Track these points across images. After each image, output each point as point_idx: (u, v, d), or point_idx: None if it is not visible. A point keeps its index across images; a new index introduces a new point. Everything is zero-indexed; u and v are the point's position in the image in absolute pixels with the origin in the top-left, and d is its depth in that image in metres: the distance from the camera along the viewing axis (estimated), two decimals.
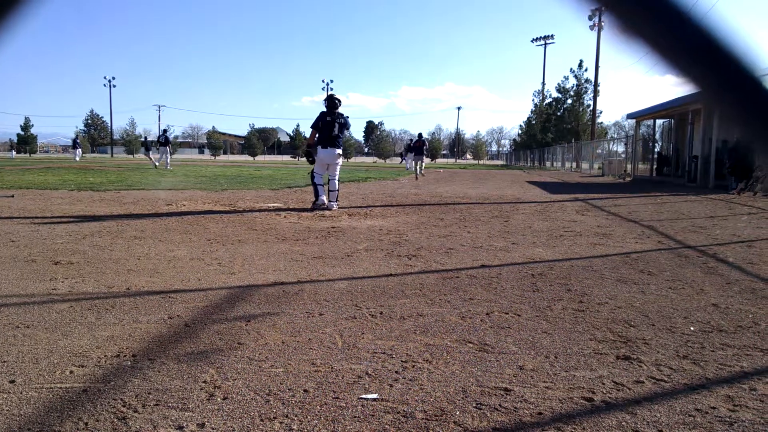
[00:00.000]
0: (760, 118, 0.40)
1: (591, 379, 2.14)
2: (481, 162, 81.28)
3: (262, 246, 5.07)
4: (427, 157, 26.42)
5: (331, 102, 8.52)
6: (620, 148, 28.05)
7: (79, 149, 38.56)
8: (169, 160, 24.33)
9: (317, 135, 8.48)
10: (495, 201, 10.68)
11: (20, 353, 2.33)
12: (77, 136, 44.07)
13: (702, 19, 0.39)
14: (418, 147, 23.02)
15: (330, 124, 8.37)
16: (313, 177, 8.54)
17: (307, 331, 2.69)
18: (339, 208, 8.56)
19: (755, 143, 0.41)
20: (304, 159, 9.00)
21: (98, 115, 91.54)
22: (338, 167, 8.57)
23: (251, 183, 14.82)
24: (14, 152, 52.98)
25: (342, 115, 8.54)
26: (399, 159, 50.57)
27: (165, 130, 26.75)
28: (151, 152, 26.98)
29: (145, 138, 39.65)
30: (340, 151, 8.52)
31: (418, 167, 22.18)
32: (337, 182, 8.54)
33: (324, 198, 8.45)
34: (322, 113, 8.47)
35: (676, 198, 11.93)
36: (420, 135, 23.91)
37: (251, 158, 68.61)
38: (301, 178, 15.58)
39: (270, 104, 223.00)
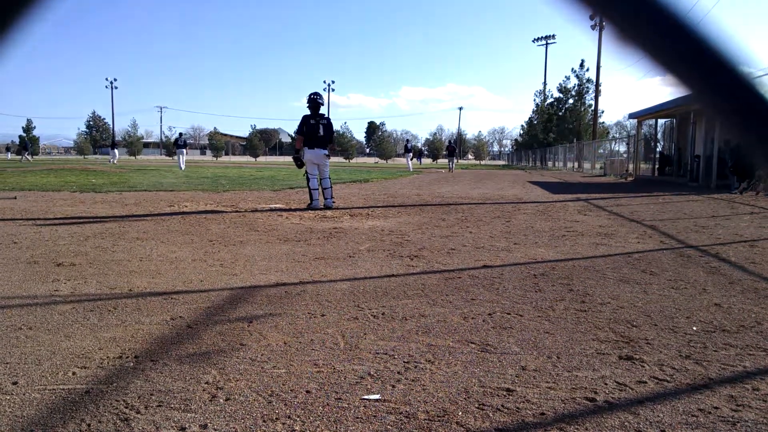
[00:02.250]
0: (753, 121, 0.40)
1: (593, 380, 2.14)
2: (482, 162, 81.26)
3: (264, 247, 5.08)
4: (457, 158, 39.04)
5: (314, 104, 8.73)
6: (622, 148, 27.99)
7: (116, 151, 36.23)
8: (182, 162, 25.61)
9: (303, 138, 8.74)
10: (497, 201, 10.68)
11: (23, 355, 2.33)
12: (114, 140, 39.96)
13: (696, 25, 0.39)
14: (451, 150, 32.53)
15: (314, 126, 8.65)
16: (308, 180, 8.76)
17: (309, 331, 2.69)
18: (336, 206, 8.75)
19: (749, 146, 0.41)
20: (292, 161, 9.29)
21: (100, 117, 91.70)
22: (327, 167, 8.90)
23: (253, 184, 14.84)
24: (9, 154, 52.03)
25: (324, 116, 8.85)
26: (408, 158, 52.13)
27: (181, 134, 28.53)
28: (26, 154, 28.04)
29: (23, 138, 39.82)
30: (326, 151, 8.80)
31: (452, 164, 31.76)
32: (328, 180, 8.87)
33: (319, 201, 8.68)
34: (305, 117, 8.72)
35: (678, 198, 11.91)
36: (450, 141, 37.31)
37: (253, 159, 68.70)
38: (303, 179, 15.60)
39: (271, 105, 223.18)
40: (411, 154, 33.80)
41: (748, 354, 2.43)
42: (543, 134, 53.25)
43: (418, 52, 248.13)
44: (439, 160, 47.24)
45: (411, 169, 30.93)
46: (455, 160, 33.18)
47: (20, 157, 37.27)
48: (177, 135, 28.11)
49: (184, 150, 25.80)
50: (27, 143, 39.42)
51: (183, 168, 24.79)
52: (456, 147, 35.02)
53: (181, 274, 3.90)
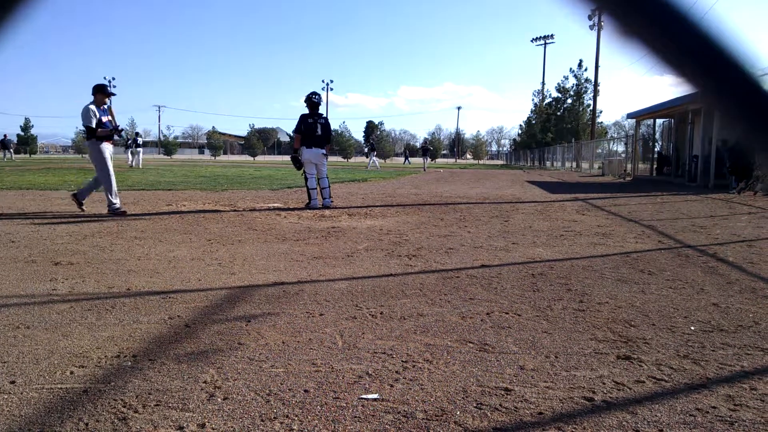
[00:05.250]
0: (757, 117, 0.40)
1: (591, 379, 2.14)
2: (481, 162, 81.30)
3: (263, 246, 5.07)
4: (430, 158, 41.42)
5: (312, 103, 8.72)
6: (620, 148, 28.03)
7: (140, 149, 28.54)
8: (140, 161, 27.63)
9: (301, 137, 8.72)
10: (495, 201, 10.69)
11: (21, 354, 2.33)
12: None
13: (700, 21, 0.39)
14: (425, 149, 35.39)
15: (313, 125, 8.63)
16: (306, 179, 8.74)
17: (308, 331, 2.69)
18: (334, 206, 8.77)
19: (754, 143, 0.41)
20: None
21: None
22: (325, 167, 8.90)
23: (251, 183, 14.83)
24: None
25: (322, 115, 8.83)
26: (403, 159, 53.78)
27: (137, 134, 30.93)
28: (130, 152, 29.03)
29: (4, 135, 39.26)
30: (324, 151, 8.80)
31: (426, 164, 34.34)
32: (326, 179, 8.87)
33: (317, 201, 8.68)
34: (303, 116, 8.68)
35: (676, 197, 11.93)
36: (425, 140, 45.29)
37: (251, 158, 68.63)
38: (301, 178, 15.59)
39: (270, 104, 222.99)
40: (375, 153, 34.86)
41: (746, 354, 2.44)
42: (541, 134, 53.27)
43: (416, 52, 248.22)
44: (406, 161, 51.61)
45: (379, 169, 32.38)
46: (428, 159, 35.92)
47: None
48: (134, 135, 30.21)
49: (141, 149, 27.88)
50: (7, 142, 38.87)
51: (141, 166, 26.82)
52: (430, 147, 39.01)
53: (179, 274, 3.90)
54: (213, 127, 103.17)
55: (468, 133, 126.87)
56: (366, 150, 44.03)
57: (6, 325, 2.71)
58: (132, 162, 27.18)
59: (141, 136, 30.73)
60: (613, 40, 0.40)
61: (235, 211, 7.98)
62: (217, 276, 3.84)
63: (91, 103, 7.29)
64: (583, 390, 2.04)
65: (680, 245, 5.47)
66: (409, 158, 54.59)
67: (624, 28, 0.39)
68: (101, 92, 7.43)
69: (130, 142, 28.81)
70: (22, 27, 0.40)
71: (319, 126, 8.64)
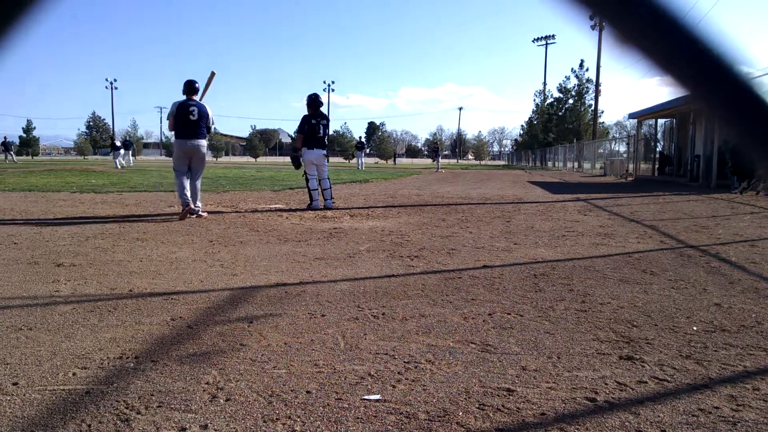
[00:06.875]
0: (751, 121, 0.40)
1: (594, 380, 2.14)
2: (482, 162, 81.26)
3: (264, 247, 5.08)
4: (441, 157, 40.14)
5: (316, 103, 8.75)
6: (622, 148, 27.98)
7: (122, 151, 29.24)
8: (129, 161, 29.23)
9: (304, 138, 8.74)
10: (497, 201, 10.68)
11: (23, 355, 2.33)
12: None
13: (695, 26, 0.39)
14: (435, 149, 37.99)
15: (315, 126, 8.67)
16: (307, 180, 8.75)
17: (310, 332, 2.69)
18: (336, 207, 8.80)
19: (747, 145, 0.41)
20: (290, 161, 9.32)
21: (100, 117, 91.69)
22: (326, 168, 8.95)
23: (253, 184, 14.84)
24: None
25: (324, 116, 8.87)
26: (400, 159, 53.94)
27: (127, 137, 31.86)
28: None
29: (5, 138, 39.73)
30: (325, 152, 8.87)
31: (438, 164, 35.59)
32: (328, 180, 8.90)
33: (319, 202, 8.70)
34: (306, 117, 8.71)
35: (678, 198, 11.91)
36: (435, 142, 47.11)
37: (253, 159, 68.71)
38: (302, 179, 15.57)
39: (271, 105, 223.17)
40: (363, 153, 34.78)
41: (749, 354, 2.43)
42: (543, 134, 53.25)
43: (418, 53, 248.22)
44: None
45: (363, 169, 32.21)
46: (440, 159, 36.76)
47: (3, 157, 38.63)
48: (126, 138, 31.71)
49: (129, 150, 29.12)
50: (8, 144, 39.49)
51: (131, 164, 28.43)
52: (438, 147, 41.07)
53: (182, 275, 3.90)
54: (215, 128, 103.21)
55: (469, 133, 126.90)
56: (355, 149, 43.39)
57: (9, 326, 2.72)
58: (117, 163, 27.91)
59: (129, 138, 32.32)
60: (611, 44, 0.40)
61: (236, 212, 7.99)
62: (219, 277, 3.85)
63: None
64: (585, 390, 2.04)
65: (682, 245, 5.46)
66: (397, 159, 54.63)
67: (620, 33, 0.39)
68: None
69: (129, 144, 29.50)
70: (31, 31, 0.40)
71: (321, 127, 8.69)
